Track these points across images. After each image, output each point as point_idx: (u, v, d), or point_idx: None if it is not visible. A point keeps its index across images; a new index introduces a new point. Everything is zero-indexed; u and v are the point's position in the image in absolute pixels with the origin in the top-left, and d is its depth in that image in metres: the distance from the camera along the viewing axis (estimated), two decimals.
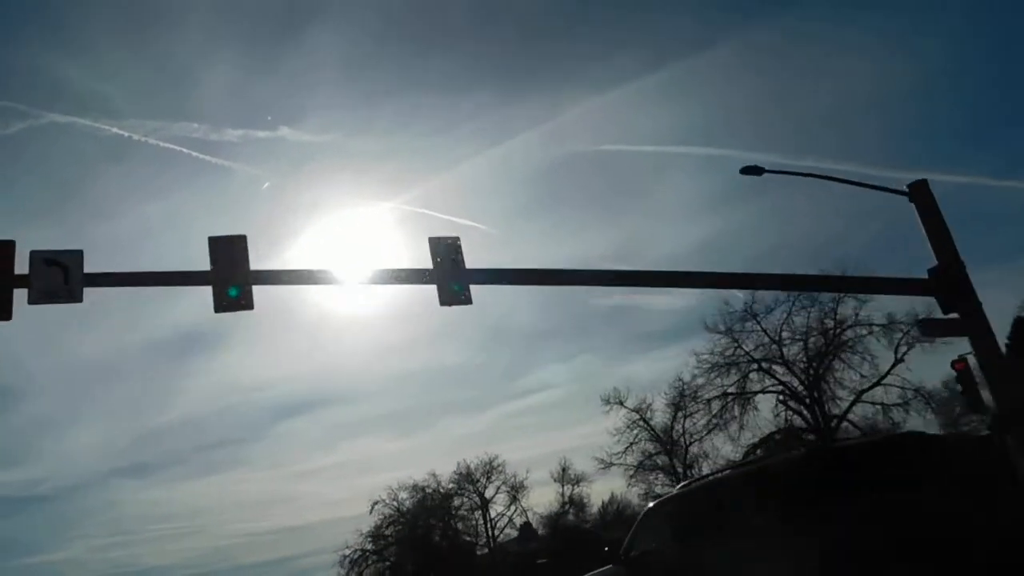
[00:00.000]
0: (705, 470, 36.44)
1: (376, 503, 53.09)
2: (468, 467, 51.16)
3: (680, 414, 36.70)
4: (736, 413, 31.17)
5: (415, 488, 52.32)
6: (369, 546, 52.64)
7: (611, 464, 38.61)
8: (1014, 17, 51.02)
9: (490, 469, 50.97)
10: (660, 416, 38.09)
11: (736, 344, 31.05)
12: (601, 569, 8.86)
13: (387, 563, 53.44)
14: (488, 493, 51.02)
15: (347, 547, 50.48)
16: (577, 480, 50.70)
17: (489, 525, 50.93)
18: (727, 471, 9.15)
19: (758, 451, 30.24)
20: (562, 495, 50.76)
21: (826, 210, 63.88)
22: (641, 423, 38.16)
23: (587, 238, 73.25)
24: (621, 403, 38.48)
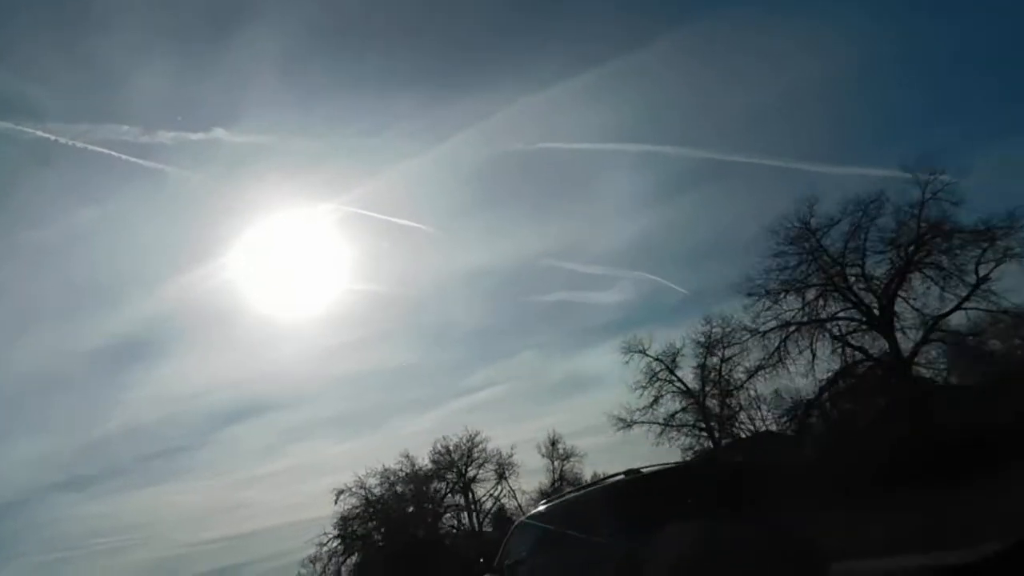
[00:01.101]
0: (758, 424, 31.48)
1: (341, 492, 46.02)
2: (447, 447, 44.79)
3: (715, 358, 31.42)
4: (801, 345, 25.91)
5: (386, 473, 45.58)
6: (335, 544, 45.62)
7: (632, 423, 33.01)
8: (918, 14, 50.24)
9: (471, 447, 44.78)
10: (689, 366, 32.74)
11: (808, 256, 25.74)
12: None
13: (355, 558, 46.52)
14: (472, 473, 44.86)
15: (320, 540, 43.51)
16: (567, 455, 45.18)
17: (474, 509, 44.70)
18: (574, 491, 10.20)
19: (837, 384, 25.19)
20: (552, 471, 45.10)
21: (754, 204, 63.11)
22: (666, 374, 32.73)
23: (528, 236, 73.74)
24: (643, 351, 32.94)
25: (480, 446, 44.67)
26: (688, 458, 29.87)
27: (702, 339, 31.70)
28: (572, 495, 9.53)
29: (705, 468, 10.90)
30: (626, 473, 8.50)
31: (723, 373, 31.02)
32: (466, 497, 44.65)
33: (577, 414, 44.86)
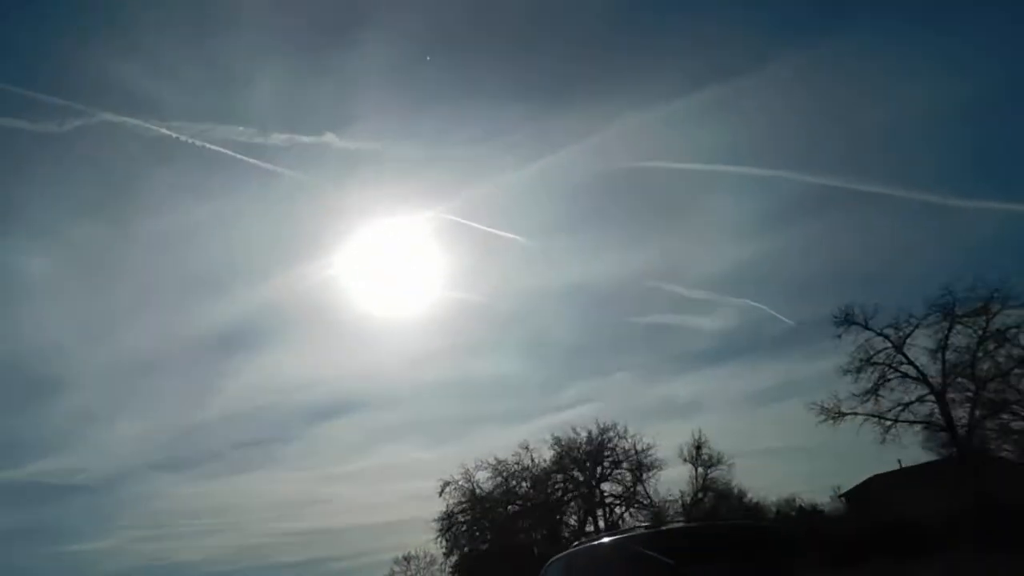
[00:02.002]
0: None
1: (447, 485, 40.42)
2: (574, 439, 38.51)
3: (969, 333, 24.24)
4: None
5: (499, 467, 39.70)
6: (438, 540, 40.07)
7: (841, 414, 26.10)
8: None
9: (603, 440, 38.35)
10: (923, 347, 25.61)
11: None
12: None
13: (453, 559, 40.74)
14: (602, 471, 38.44)
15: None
16: (713, 461, 38.16)
17: (604, 511, 38.20)
18: (603, 537, 9.92)
19: None
20: (695, 479, 38.18)
21: (879, 238, 57.94)
22: (892, 352, 25.68)
23: (629, 255, 71.60)
24: (864, 324, 25.99)
25: (613, 441, 38.29)
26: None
27: (947, 307, 24.56)
28: (603, 539, 9.61)
29: (729, 528, 10.63)
30: (649, 527, 9.90)
31: (982, 352, 23.79)
32: (593, 498, 38.25)
33: (670, 439, 40.31)
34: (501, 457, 39.87)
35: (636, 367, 68.64)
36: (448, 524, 40.21)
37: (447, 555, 40.36)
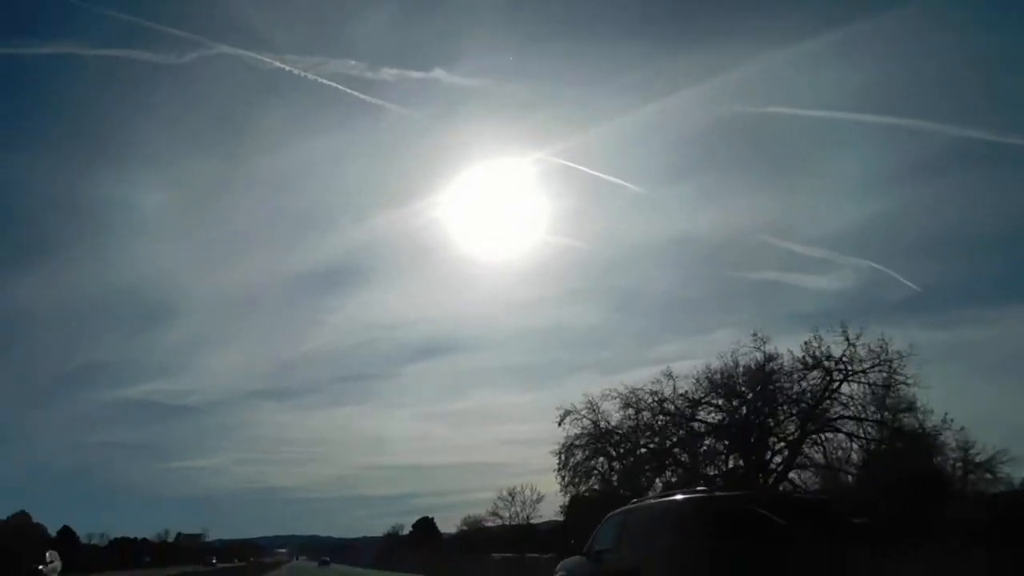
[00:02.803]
0: None
1: (568, 414, 34.15)
2: (731, 367, 31.23)
3: None
4: None
5: (631, 396, 33.04)
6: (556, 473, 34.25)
7: None
8: None
9: (767, 370, 30.92)
10: None
11: None
12: (573, 557, 10.71)
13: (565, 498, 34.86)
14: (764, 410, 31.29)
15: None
16: (903, 407, 30.08)
17: (761, 458, 31.04)
18: (663, 496, 9.97)
19: None
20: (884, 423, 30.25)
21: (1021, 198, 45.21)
22: None
23: (742, 207, 70.10)
24: None
25: (777, 377, 30.81)
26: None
27: None
28: (661, 499, 9.52)
29: (795, 497, 10.86)
30: (704, 490, 9.82)
31: None
32: (749, 445, 31.09)
33: None
34: (635, 385, 33.26)
35: (741, 325, 64.66)
36: (566, 458, 34.12)
37: (563, 490, 34.27)
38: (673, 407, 32.23)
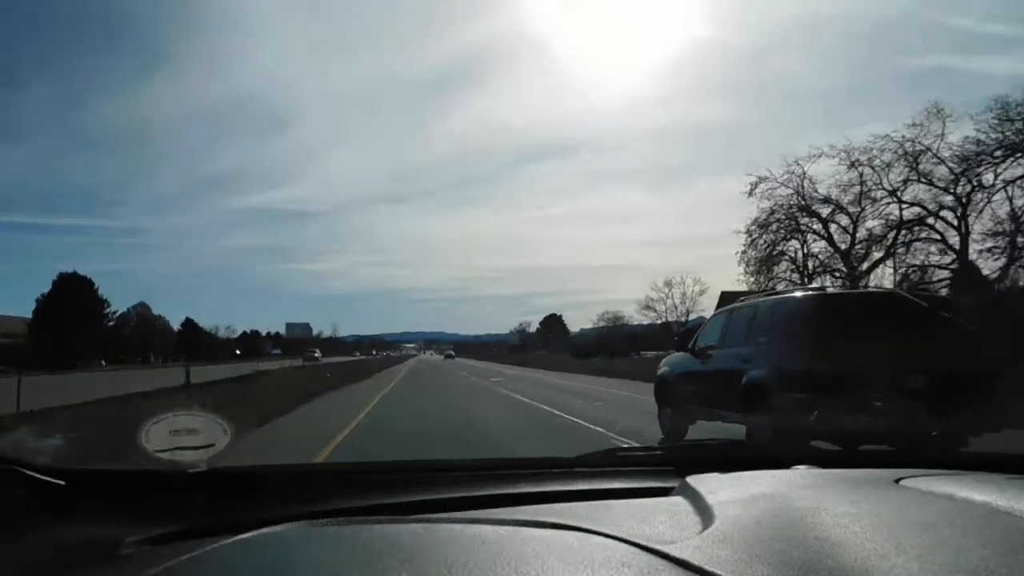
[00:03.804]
0: None
1: (760, 181, 26.39)
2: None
3: None
4: None
5: (851, 152, 24.56)
6: (744, 255, 27.26)
7: None
8: None
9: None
10: None
11: None
12: (677, 354, 10.21)
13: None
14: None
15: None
16: None
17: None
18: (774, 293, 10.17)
19: None
20: None
21: None
22: None
23: None
24: None
25: None
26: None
27: None
28: (774, 296, 9.20)
29: (901, 297, 8.66)
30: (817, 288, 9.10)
31: None
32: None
33: None
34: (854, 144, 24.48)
35: (894, 120, 50.56)
36: (756, 236, 26.78)
37: (745, 279, 27.45)
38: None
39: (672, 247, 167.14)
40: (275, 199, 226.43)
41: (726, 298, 23.87)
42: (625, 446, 3.04)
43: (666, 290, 58.90)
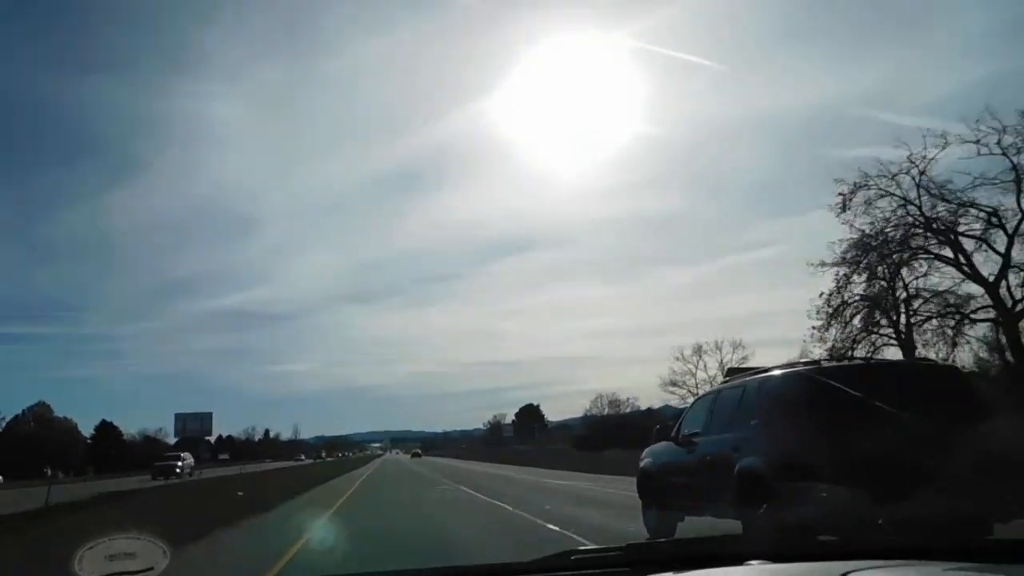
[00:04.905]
0: None
1: (856, 190, 18.39)
2: None
3: None
4: None
5: (999, 133, 16.79)
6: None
7: None
8: None
9: None
10: None
11: None
12: (659, 443, 9.44)
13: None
14: None
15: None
16: None
17: None
18: (747, 376, 8.41)
19: None
20: None
21: None
22: None
23: (836, 78, 60.46)
24: None
25: None
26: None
27: None
28: (762, 375, 7.80)
29: (911, 368, 8.61)
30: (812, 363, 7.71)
31: None
32: None
33: None
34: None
35: (836, 207, 50.42)
36: (849, 270, 18.52)
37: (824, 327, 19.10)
38: None
39: (623, 337, 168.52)
40: (240, 301, 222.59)
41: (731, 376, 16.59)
42: (581, 548, 2.32)
43: (694, 360, 49.84)
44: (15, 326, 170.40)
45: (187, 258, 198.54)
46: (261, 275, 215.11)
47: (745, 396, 7.53)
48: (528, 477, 27.96)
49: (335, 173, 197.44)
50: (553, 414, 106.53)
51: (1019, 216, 17.03)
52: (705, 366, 49.25)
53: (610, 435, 47.04)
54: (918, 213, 17.85)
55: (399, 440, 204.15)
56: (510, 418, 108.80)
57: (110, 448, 62.37)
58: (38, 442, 54.30)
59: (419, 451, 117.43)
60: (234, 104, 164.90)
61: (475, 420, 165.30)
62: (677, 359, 50.00)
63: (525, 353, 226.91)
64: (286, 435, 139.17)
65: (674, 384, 49.63)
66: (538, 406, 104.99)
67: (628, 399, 69.64)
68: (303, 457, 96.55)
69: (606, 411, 70.81)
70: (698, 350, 49.42)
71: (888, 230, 18.04)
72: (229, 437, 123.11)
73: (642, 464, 9.67)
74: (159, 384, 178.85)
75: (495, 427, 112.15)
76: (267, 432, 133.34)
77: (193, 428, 36.17)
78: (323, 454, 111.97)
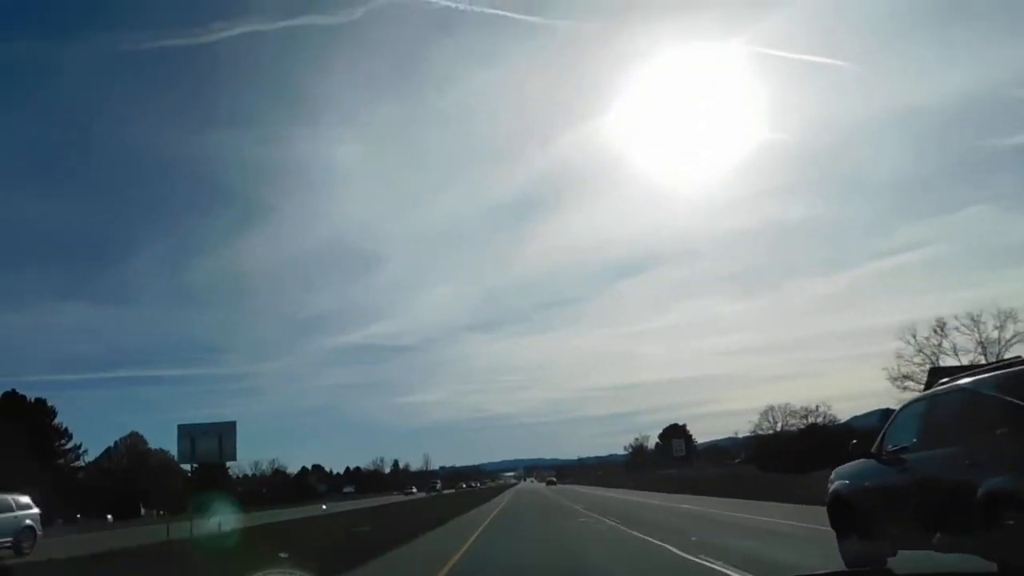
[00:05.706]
0: None
1: None
2: None
3: None
4: None
5: None
6: None
7: None
8: None
9: None
10: None
11: None
12: (854, 462, 8.10)
13: None
14: None
15: None
16: None
17: None
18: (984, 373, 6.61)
19: None
20: None
21: None
22: None
23: (988, 61, 52.68)
24: None
25: None
26: None
27: None
28: (1000, 371, 6.17)
29: None
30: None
31: None
32: None
33: None
34: None
35: (997, 199, 40.82)
36: None
37: None
38: None
39: (759, 354, 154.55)
40: (367, 335, 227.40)
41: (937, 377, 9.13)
42: None
43: (934, 343, 36.64)
44: (164, 369, 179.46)
45: (316, 296, 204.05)
46: (387, 309, 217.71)
47: (976, 400, 6.03)
48: (708, 510, 21.65)
49: (453, 205, 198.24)
50: (698, 435, 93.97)
51: None
52: (955, 348, 35.85)
53: (815, 452, 34.28)
54: None
55: (533, 468, 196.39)
56: (653, 440, 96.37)
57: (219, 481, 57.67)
58: (132, 476, 50.16)
59: (554, 479, 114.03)
60: (352, 145, 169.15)
61: (611, 445, 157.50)
62: (907, 342, 36.69)
63: (659, 374, 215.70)
64: (415, 466, 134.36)
65: (907, 378, 36.23)
66: (684, 426, 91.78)
67: (817, 407, 55.49)
68: (414, 489, 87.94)
69: (779, 426, 56.90)
70: (940, 327, 35.86)
71: None
72: (356, 468, 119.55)
73: (833, 487, 8.37)
74: (296, 419, 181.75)
75: (638, 450, 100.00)
76: (396, 463, 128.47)
77: (205, 450, 19.38)
78: (437, 484, 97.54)
